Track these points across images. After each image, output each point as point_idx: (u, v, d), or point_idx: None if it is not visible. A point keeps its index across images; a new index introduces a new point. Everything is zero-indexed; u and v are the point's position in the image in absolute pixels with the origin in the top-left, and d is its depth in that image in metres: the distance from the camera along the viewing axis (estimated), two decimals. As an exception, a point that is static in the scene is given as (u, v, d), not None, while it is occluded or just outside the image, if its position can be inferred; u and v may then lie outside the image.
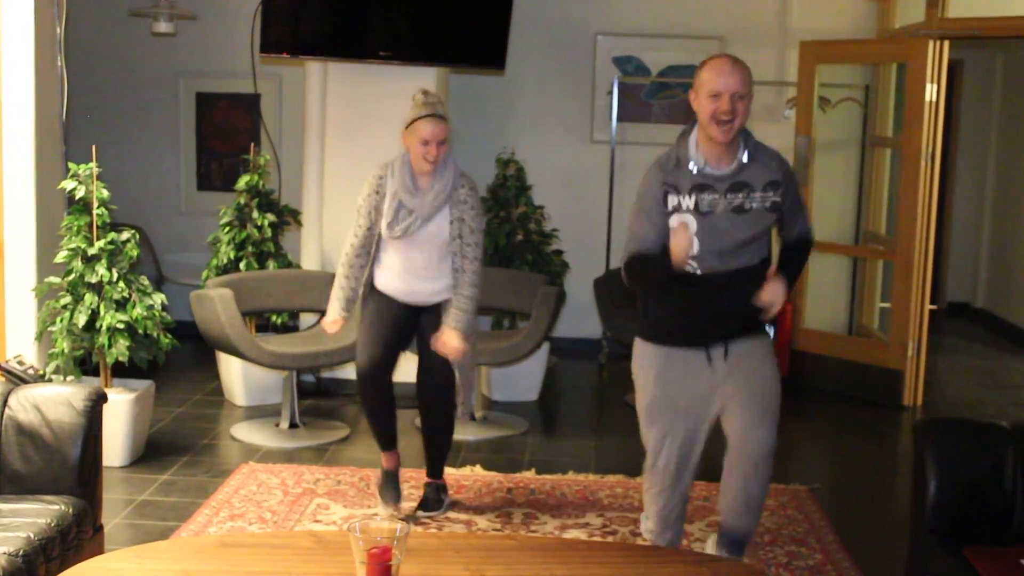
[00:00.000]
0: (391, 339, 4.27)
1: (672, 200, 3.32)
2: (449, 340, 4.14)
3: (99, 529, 3.43)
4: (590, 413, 6.40)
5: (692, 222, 3.30)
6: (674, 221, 3.31)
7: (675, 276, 3.33)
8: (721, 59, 3.29)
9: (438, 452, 4.46)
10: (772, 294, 3.33)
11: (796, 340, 6.76)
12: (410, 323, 4.31)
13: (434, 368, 4.28)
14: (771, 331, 3.59)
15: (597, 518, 4.41)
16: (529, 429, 5.68)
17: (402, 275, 4.24)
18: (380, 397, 4.32)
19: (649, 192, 3.36)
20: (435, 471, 4.47)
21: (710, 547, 3.78)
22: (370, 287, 4.31)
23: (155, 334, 4.84)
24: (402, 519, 4.28)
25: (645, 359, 3.55)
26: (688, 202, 3.30)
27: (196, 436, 5.38)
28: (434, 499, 4.43)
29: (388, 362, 4.29)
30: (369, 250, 4.26)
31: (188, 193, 7.72)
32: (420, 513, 4.38)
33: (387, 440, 4.43)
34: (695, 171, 3.31)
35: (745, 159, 3.32)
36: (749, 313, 3.41)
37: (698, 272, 3.35)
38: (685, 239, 3.24)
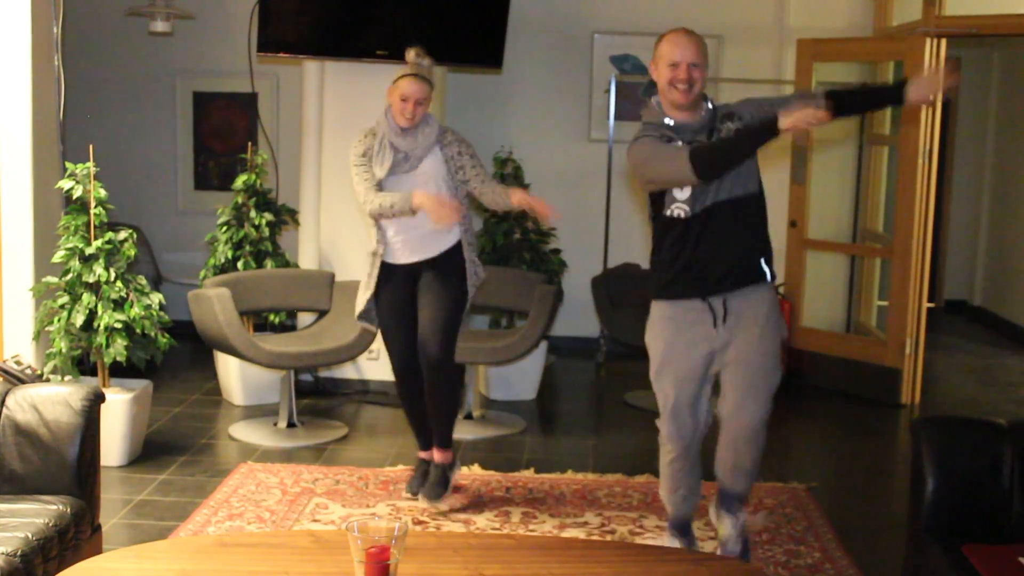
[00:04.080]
0: (410, 325, 4.43)
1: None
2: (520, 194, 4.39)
3: (97, 529, 3.42)
4: (588, 412, 6.40)
5: None
6: None
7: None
8: (677, 32, 3.60)
9: (440, 420, 4.50)
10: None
11: (794, 338, 6.76)
12: (414, 294, 4.44)
13: (428, 329, 4.35)
14: (768, 272, 3.69)
15: (596, 517, 4.41)
16: (527, 428, 5.68)
17: (403, 226, 4.33)
18: (413, 393, 4.48)
19: (652, 141, 3.59)
20: (438, 441, 4.53)
21: (712, 512, 3.93)
22: (380, 266, 4.44)
23: (153, 334, 4.84)
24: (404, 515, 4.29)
25: (654, 320, 3.73)
26: (675, 143, 3.54)
27: (194, 436, 5.38)
28: (437, 478, 4.49)
29: (415, 355, 4.43)
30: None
31: (185, 192, 7.72)
32: (422, 494, 4.48)
33: (424, 438, 4.59)
34: (671, 124, 3.55)
35: (710, 107, 3.58)
36: (743, 251, 3.60)
37: (688, 216, 3.54)
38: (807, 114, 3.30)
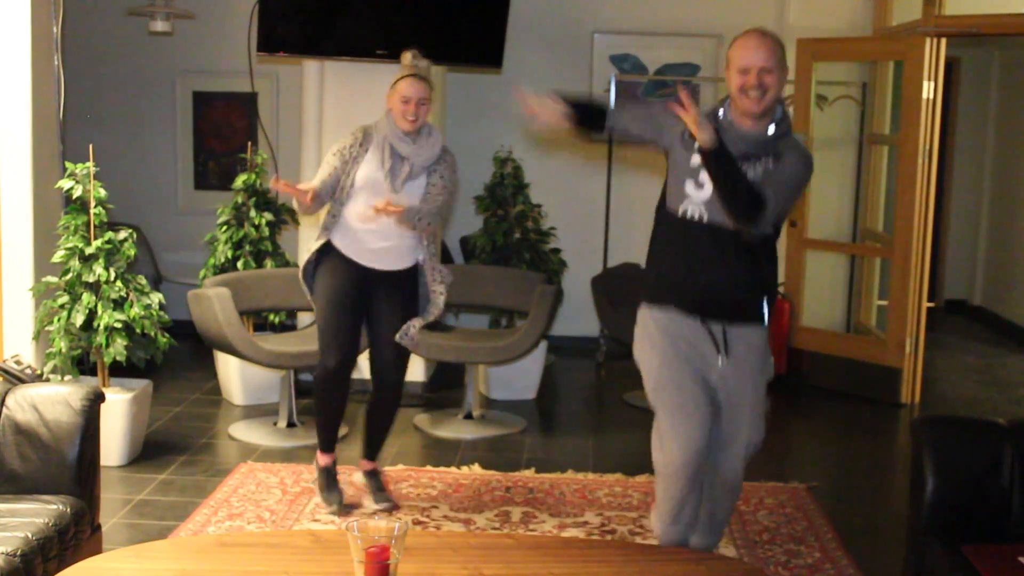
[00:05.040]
0: (357, 331, 4.28)
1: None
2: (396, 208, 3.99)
3: (97, 529, 3.43)
4: (588, 412, 6.40)
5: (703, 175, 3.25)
6: (695, 161, 3.26)
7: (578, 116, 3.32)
8: (749, 34, 3.27)
9: (383, 434, 4.51)
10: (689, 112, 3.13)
11: (794, 338, 6.77)
12: (365, 298, 4.25)
13: (385, 347, 4.27)
14: (767, 315, 3.41)
15: (596, 517, 4.41)
16: (527, 428, 5.68)
17: (372, 231, 4.17)
18: (342, 397, 4.36)
19: (666, 115, 3.31)
20: (375, 454, 4.51)
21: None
22: (326, 250, 4.24)
23: (153, 333, 4.84)
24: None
25: (646, 330, 3.43)
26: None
27: (194, 435, 5.38)
28: (379, 487, 4.44)
29: (355, 358, 4.32)
30: (329, 189, 4.17)
31: (185, 192, 7.72)
32: (381, 506, 4.37)
33: (333, 440, 4.44)
34: (722, 117, 3.28)
35: (771, 131, 3.27)
36: (749, 285, 3.36)
37: (704, 220, 3.29)
38: (549, 107, 3.27)
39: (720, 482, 3.49)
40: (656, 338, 3.40)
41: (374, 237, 4.19)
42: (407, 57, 4.23)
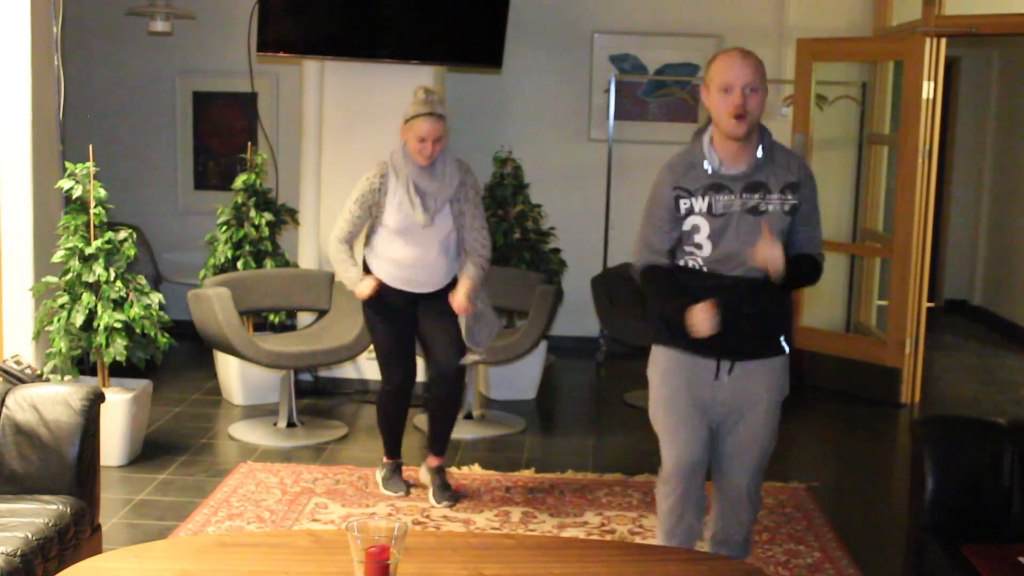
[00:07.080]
0: (412, 348, 4.53)
1: (684, 204, 3.23)
2: (461, 292, 4.29)
3: (97, 529, 3.42)
4: (588, 412, 6.40)
5: (706, 225, 3.20)
6: (688, 224, 3.23)
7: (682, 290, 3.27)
8: (732, 51, 3.17)
9: (445, 429, 4.59)
10: (765, 250, 3.10)
11: (794, 338, 6.75)
12: (413, 315, 4.47)
13: (443, 352, 4.41)
14: (787, 347, 3.50)
15: (595, 517, 4.41)
16: (527, 428, 5.68)
17: (408, 266, 4.37)
18: (404, 411, 4.62)
19: (660, 197, 3.29)
20: (438, 449, 4.60)
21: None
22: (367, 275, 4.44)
23: (153, 333, 4.84)
24: (401, 516, 4.29)
25: (655, 364, 3.44)
26: (701, 204, 3.21)
27: (194, 435, 5.38)
28: (443, 483, 4.55)
29: (415, 372, 4.56)
30: (356, 236, 4.44)
31: (185, 192, 7.72)
32: (442, 503, 4.49)
33: (398, 446, 4.69)
34: (709, 171, 3.20)
35: (760, 154, 3.19)
36: (764, 330, 3.38)
37: (704, 270, 3.25)
38: (705, 322, 3.15)
39: (734, 492, 3.41)
40: (664, 372, 3.40)
41: (413, 272, 4.38)
42: (419, 93, 4.25)
